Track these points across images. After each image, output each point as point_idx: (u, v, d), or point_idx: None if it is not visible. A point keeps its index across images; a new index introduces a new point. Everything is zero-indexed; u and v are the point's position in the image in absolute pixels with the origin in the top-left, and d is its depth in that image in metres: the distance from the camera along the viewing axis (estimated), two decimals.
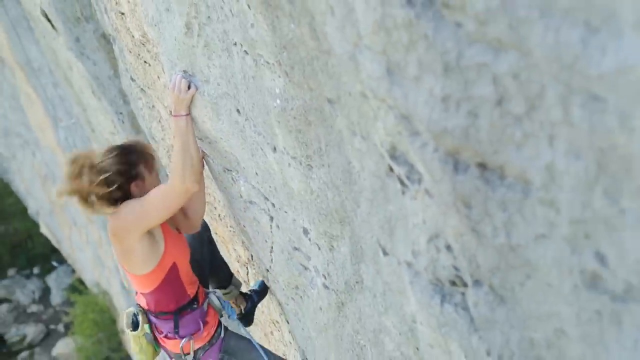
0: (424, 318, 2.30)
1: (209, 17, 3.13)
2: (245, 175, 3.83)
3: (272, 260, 4.07)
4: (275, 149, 3.13)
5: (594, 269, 1.48)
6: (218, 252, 4.95)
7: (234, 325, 4.99)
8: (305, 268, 3.58)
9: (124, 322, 4.18)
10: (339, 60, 2.11)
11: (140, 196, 3.67)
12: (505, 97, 1.48)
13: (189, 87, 3.54)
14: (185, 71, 3.53)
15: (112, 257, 12.31)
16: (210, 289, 4.43)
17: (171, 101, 3.59)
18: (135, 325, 4.11)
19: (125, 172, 3.68)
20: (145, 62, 4.61)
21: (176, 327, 4.00)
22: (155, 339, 4.13)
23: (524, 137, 1.49)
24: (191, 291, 4.05)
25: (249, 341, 4.49)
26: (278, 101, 2.84)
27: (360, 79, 1.97)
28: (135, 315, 4.11)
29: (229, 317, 4.49)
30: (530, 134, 1.47)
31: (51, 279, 22.00)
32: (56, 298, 21.84)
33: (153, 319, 4.06)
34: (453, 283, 2.07)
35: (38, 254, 22.08)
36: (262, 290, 5.18)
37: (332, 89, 2.38)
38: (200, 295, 4.16)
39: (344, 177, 2.63)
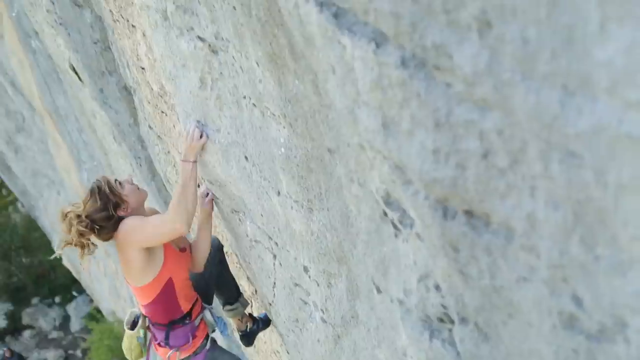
0: (414, 352, 2.28)
1: (221, 73, 3.15)
2: (251, 216, 3.83)
3: (274, 295, 4.06)
4: (279, 193, 3.13)
5: (571, 311, 1.47)
6: (227, 271, 4.84)
7: (224, 342, 4.95)
8: (305, 303, 3.57)
9: (125, 321, 4.19)
10: (338, 114, 2.12)
11: (135, 208, 3.77)
12: (491, 152, 1.48)
13: (201, 136, 3.55)
14: (198, 121, 3.54)
15: (127, 287, 12.27)
16: (207, 306, 4.38)
17: (183, 147, 3.61)
18: (133, 326, 4.12)
19: (105, 208, 3.68)
20: (162, 112, 4.63)
21: (167, 338, 4.00)
22: (152, 343, 4.14)
23: (507, 188, 1.49)
24: (185, 307, 4.03)
25: (233, 356, 4.46)
26: (282, 150, 2.85)
27: (358, 132, 1.97)
28: (137, 317, 4.13)
29: (220, 332, 4.45)
30: (513, 186, 1.47)
31: (71, 308, 21.91)
32: (75, 325, 21.72)
33: (151, 327, 4.07)
34: (441, 320, 2.06)
35: (60, 284, 22.00)
36: (266, 320, 5.12)
37: (332, 140, 2.38)
38: (195, 310, 4.13)
39: (342, 220, 2.63)
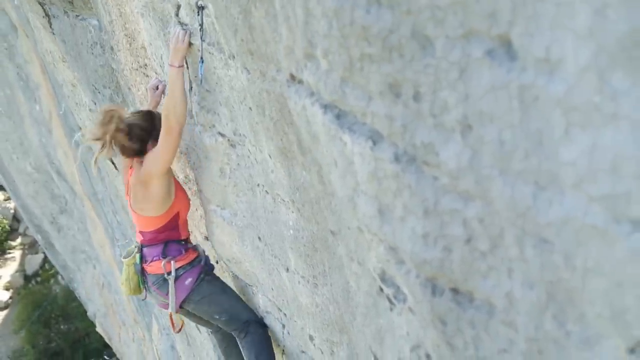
0: None
1: (238, 164, 3.18)
2: (263, 289, 3.81)
3: None
4: (288, 269, 3.12)
5: None
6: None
7: None
8: None
9: (122, 254, 4.06)
10: (340, 201, 2.13)
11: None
12: (473, 237, 1.48)
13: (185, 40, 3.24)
14: (182, 23, 3.21)
15: (154, 351, 12.09)
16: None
17: (170, 51, 3.31)
18: (128, 255, 3.98)
19: (148, 130, 3.64)
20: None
21: (163, 251, 3.84)
22: (142, 270, 3.92)
23: (488, 269, 1.48)
24: (184, 235, 3.96)
25: (225, 286, 4.21)
26: (291, 231, 2.85)
27: (357, 217, 1.98)
28: (132, 252, 3.98)
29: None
30: (493, 267, 1.46)
31: None
32: None
33: (144, 249, 3.90)
34: None
35: (93, 349, 21.68)
36: None
37: (335, 223, 2.39)
38: (189, 241, 4.05)
39: (343, 294, 2.61)
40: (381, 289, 2.12)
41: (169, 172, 3.72)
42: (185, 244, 3.96)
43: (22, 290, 23.91)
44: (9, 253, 25.60)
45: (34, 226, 18.62)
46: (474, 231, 1.47)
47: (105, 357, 21.31)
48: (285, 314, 3.56)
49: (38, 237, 19.54)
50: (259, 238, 3.34)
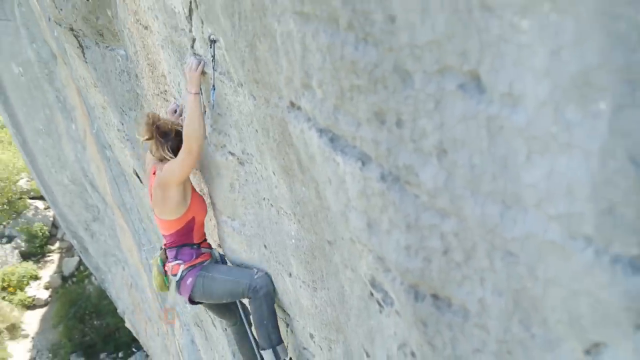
0: None
1: (246, 180, 3.19)
2: None
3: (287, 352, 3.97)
4: (290, 274, 3.12)
5: None
6: (266, 314, 4.04)
7: None
8: None
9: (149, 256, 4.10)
10: (334, 215, 2.13)
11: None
12: (449, 249, 1.48)
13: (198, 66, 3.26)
14: (197, 54, 3.24)
15: (176, 344, 12.08)
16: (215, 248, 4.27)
17: (187, 81, 3.34)
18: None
19: (169, 137, 3.65)
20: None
21: (176, 254, 3.87)
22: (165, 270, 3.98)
23: (463, 278, 1.48)
24: (197, 239, 3.93)
25: (221, 264, 4.16)
26: (293, 240, 2.85)
27: (349, 229, 1.98)
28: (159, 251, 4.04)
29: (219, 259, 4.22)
30: (467, 276, 1.46)
31: None
32: None
33: (167, 251, 3.93)
34: None
35: (122, 342, 21.65)
36: None
37: (331, 234, 2.39)
38: (203, 245, 4.01)
39: (338, 297, 2.60)
40: (372, 294, 2.11)
41: (186, 180, 3.73)
42: (198, 248, 3.95)
43: (60, 289, 23.94)
44: (49, 256, 25.65)
45: (70, 232, 18.68)
46: (450, 244, 1.47)
47: (134, 349, 21.31)
48: (288, 315, 3.55)
49: (74, 242, 19.61)
50: (265, 246, 3.34)
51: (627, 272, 1.02)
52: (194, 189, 3.90)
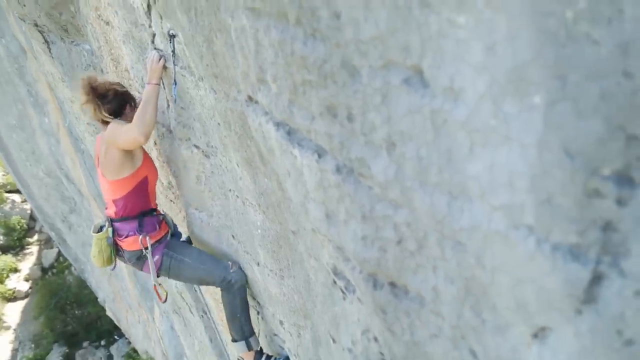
0: None
1: (212, 172, 3.15)
2: None
3: (259, 343, 3.96)
4: (258, 263, 3.10)
5: None
6: (239, 307, 3.93)
7: None
8: (282, 348, 3.49)
9: (92, 228, 3.76)
10: (295, 206, 2.11)
11: (128, 119, 3.47)
12: (403, 239, 1.48)
13: (159, 60, 3.19)
14: (158, 49, 3.19)
15: (157, 331, 12.03)
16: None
17: (148, 71, 3.24)
18: (99, 230, 3.71)
19: (115, 101, 3.49)
20: (171, 200, 4.57)
21: (140, 225, 3.60)
22: (115, 243, 3.68)
23: (417, 266, 1.48)
24: (154, 204, 3.73)
25: (188, 244, 4.00)
26: (259, 231, 2.83)
27: (309, 220, 1.97)
28: (102, 225, 3.72)
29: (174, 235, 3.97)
30: (421, 265, 1.46)
31: (113, 349, 21.34)
32: None
33: (117, 224, 3.64)
34: None
35: (104, 330, 21.49)
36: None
37: (294, 224, 2.37)
38: (158, 211, 3.79)
39: (304, 285, 2.60)
40: (334, 282, 2.11)
41: None
42: (156, 214, 3.75)
43: (40, 281, 23.71)
44: (27, 249, 25.35)
45: (48, 224, 18.44)
46: (403, 234, 1.47)
47: (116, 337, 21.21)
48: (259, 302, 3.54)
49: (52, 234, 19.36)
50: (233, 236, 3.31)
51: (567, 260, 1.02)
52: (144, 149, 3.66)
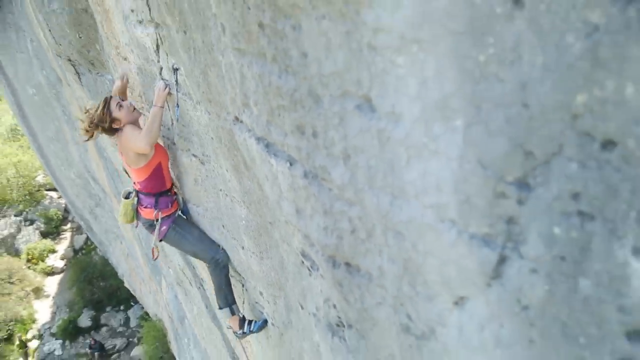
0: (323, 344, 2.20)
1: (206, 175, 3.10)
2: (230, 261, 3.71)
3: (243, 309, 3.89)
4: (243, 247, 3.05)
5: (406, 323, 1.43)
6: (222, 281, 3.83)
7: None
8: (262, 313, 3.45)
9: (122, 194, 3.69)
10: (272, 203, 2.08)
11: (128, 122, 3.33)
12: (356, 229, 1.46)
13: (165, 88, 3.07)
14: (163, 78, 3.10)
15: (164, 299, 11.82)
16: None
17: (155, 97, 3.13)
18: (127, 197, 3.66)
19: (105, 120, 3.29)
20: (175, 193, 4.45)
21: (156, 202, 3.51)
22: (137, 210, 3.63)
23: (366, 251, 1.46)
24: (168, 185, 3.59)
25: (193, 224, 3.83)
26: (244, 222, 2.79)
27: (283, 214, 1.94)
28: (130, 192, 3.66)
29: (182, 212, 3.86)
30: (370, 250, 1.44)
31: (131, 312, 20.95)
32: (133, 323, 20.68)
33: (141, 195, 3.56)
34: (338, 325, 1.99)
35: (123, 298, 21.09)
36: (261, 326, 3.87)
37: (271, 217, 2.34)
38: (173, 191, 3.69)
39: (279, 264, 2.57)
40: (302, 262, 2.08)
41: None
42: (170, 194, 3.65)
43: (72, 259, 23.29)
44: (62, 234, 24.85)
45: (78, 215, 18.03)
46: (356, 226, 1.45)
47: (132, 303, 20.90)
48: (243, 277, 3.49)
49: (82, 223, 18.94)
50: (223, 226, 3.26)
51: (480, 246, 1.02)
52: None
